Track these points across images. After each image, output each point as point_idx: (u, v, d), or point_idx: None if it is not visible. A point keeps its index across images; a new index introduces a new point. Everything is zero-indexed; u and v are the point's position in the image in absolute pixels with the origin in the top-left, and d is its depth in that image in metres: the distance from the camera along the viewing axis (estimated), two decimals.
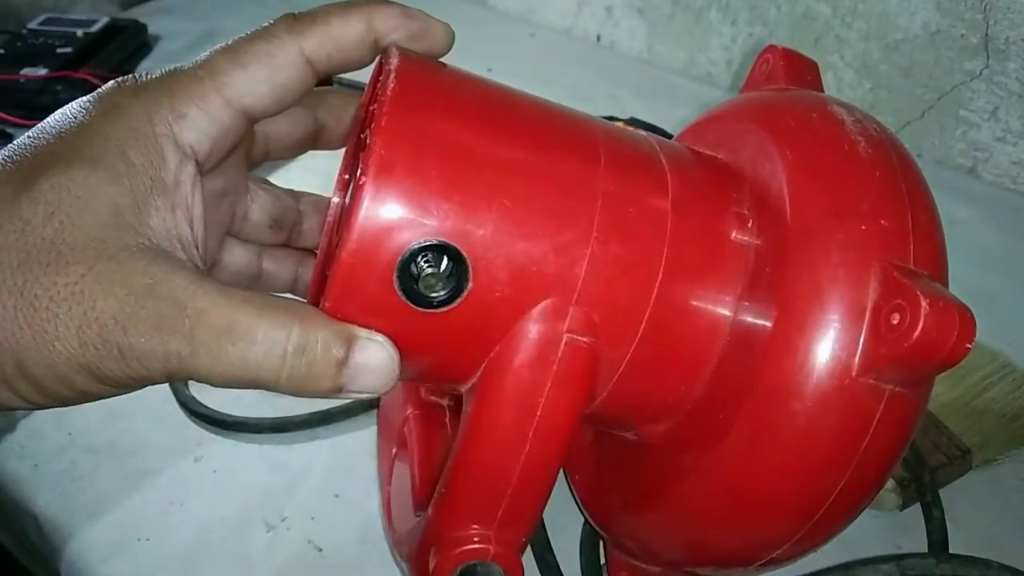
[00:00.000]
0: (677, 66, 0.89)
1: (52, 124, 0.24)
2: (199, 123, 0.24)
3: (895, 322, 0.24)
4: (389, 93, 0.24)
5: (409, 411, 0.39)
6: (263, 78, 0.25)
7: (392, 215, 0.23)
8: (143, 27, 0.89)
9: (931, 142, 0.74)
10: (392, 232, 0.23)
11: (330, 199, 0.31)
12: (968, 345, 0.23)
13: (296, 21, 0.25)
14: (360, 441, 0.46)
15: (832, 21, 0.76)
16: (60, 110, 0.25)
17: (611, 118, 0.73)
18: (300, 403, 0.47)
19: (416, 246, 0.24)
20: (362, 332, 0.24)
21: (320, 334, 0.23)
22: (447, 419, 0.38)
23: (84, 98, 0.25)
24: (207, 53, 0.25)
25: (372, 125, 0.24)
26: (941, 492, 0.42)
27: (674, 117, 0.72)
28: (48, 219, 0.22)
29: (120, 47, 0.83)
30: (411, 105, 0.24)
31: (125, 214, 0.22)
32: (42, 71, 0.74)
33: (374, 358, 0.24)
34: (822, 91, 0.35)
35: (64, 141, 0.23)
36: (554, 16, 0.97)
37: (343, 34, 0.25)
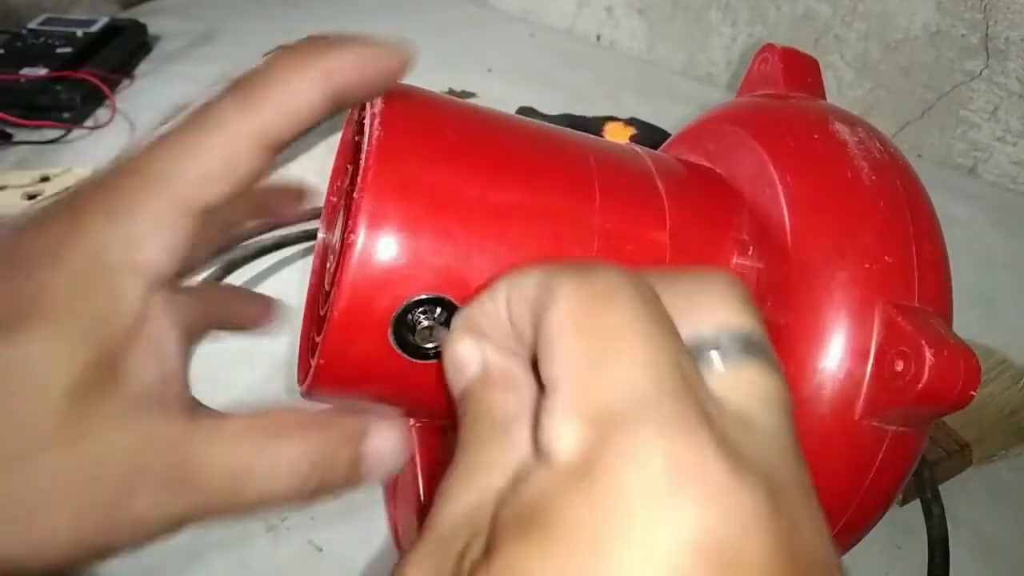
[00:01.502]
0: (677, 66, 0.89)
1: None
2: (159, 241, 0.20)
3: (899, 369, 0.24)
4: (375, 142, 0.24)
5: (411, 421, 0.38)
6: (220, 174, 0.21)
7: (383, 271, 0.23)
8: (143, 27, 0.89)
9: (931, 142, 0.74)
10: (384, 288, 0.23)
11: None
12: (973, 392, 0.23)
13: (243, 98, 0.21)
14: None
15: (832, 21, 0.76)
16: None
17: (611, 118, 0.73)
18: (300, 402, 0.47)
19: (409, 301, 0.23)
20: (372, 423, 0.23)
21: (332, 438, 0.22)
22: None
23: (5, 238, 0.20)
24: (143, 149, 0.21)
25: (359, 177, 0.23)
26: (941, 490, 0.42)
27: (674, 117, 0.72)
28: (2, 405, 0.18)
29: (120, 47, 0.83)
30: (398, 153, 0.24)
31: (94, 376, 0.19)
32: (42, 71, 0.74)
33: (386, 443, 0.23)
34: (823, 92, 0.35)
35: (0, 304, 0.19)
36: (554, 16, 0.97)
37: (299, 106, 0.21)
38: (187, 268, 0.22)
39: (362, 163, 0.24)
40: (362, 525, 0.42)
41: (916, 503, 0.43)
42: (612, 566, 0.13)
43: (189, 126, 0.21)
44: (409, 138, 0.24)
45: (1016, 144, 0.70)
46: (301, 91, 0.21)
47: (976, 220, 0.66)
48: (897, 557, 0.41)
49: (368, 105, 0.25)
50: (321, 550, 0.41)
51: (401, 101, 0.25)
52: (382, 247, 0.23)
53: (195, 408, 0.21)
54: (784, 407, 0.17)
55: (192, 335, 0.26)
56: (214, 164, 0.21)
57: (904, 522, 0.42)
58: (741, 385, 0.16)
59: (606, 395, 0.15)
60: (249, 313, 0.29)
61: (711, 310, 0.17)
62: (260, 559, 0.41)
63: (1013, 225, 0.66)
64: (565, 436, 0.15)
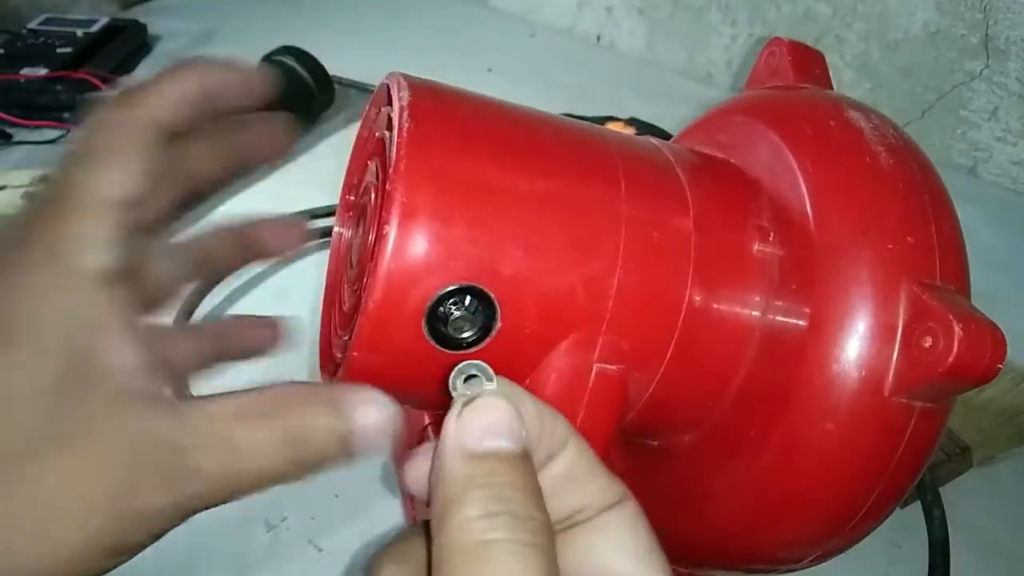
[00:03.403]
0: (677, 66, 0.89)
1: None
2: (94, 238, 0.21)
3: (927, 345, 0.24)
4: (405, 134, 0.24)
5: (427, 420, 0.38)
6: (135, 169, 0.22)
7: (418, 262, 0.23)
8: (143, 27, 0.89)
9: (931, 142, 0.74)
10: (419, 279, 0.23)
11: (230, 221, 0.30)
12: (1000, 365, 0.24)
13: (129, 96, 0.23)
14: None
15: (832, 21, 0.76)
16: None
17: (611, 118, 0.73)
18: None
19: (443, 291, 0.23)
20: (357, 396, 0.22)
21: (316, 419, 0.22)
22: None
23: None
24: (55, 168, 0.22)
25: (390, 169, 0.24)
26: (941, 492, 0.42)
27: (674, 117, 0.72)
28: None
29: (120, 47, 0.83)
30: (428, 144, 0.24)
31: (73, 376, 0.20)
32: (42, 71, 0.74)
33: (375, 419, 0.22)
34: (830, 84, 0.35)
35: None
36: (554, 16, 0.97)
37: (179, 95, 0.23)
38: (137, 262, 0.23)
39: (391, 156, 0.24)
40: (362, 525, 0.42)
41: (916, 504, 0.43)
42: None
43: (89, 138, 0.23)
44: (438, 130, 0.25)
45: (1016, 144, 0.70)
46: (180, 84, 0.24)
47: (976, 220, 0.66)
48: (897, 558, 0.41)
49: (395, 100, 0.25)
50: (321, 550, 0.41)
51: (428, 95, 0.25)
52: (416, 238, 0.23)
53: (183, 397, 0.21)
54: None
55: (190, 371, 0.27)
56: (126, 162, 0.22)
57: (904, 523, 0.42)
58: None
59: None
60: (256, 338, 0.29)
61: None
62: (260, 559, 0.41)
63: (1013, 225, 0.66)
64: None
